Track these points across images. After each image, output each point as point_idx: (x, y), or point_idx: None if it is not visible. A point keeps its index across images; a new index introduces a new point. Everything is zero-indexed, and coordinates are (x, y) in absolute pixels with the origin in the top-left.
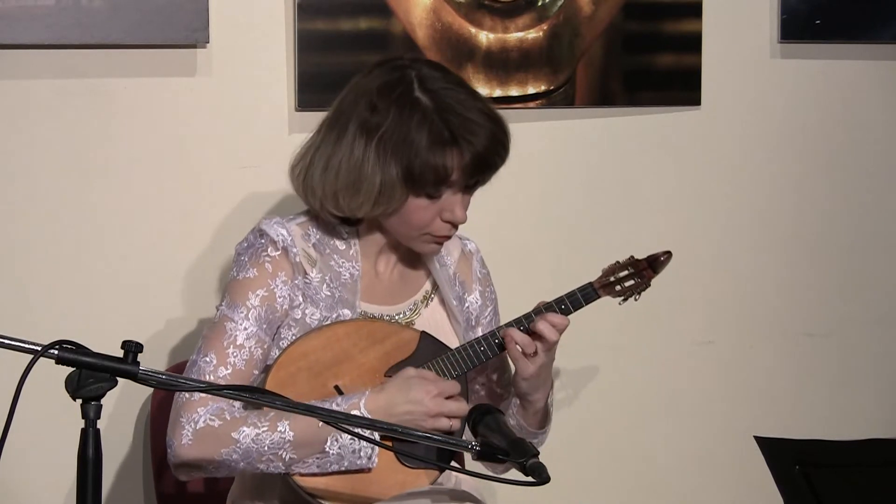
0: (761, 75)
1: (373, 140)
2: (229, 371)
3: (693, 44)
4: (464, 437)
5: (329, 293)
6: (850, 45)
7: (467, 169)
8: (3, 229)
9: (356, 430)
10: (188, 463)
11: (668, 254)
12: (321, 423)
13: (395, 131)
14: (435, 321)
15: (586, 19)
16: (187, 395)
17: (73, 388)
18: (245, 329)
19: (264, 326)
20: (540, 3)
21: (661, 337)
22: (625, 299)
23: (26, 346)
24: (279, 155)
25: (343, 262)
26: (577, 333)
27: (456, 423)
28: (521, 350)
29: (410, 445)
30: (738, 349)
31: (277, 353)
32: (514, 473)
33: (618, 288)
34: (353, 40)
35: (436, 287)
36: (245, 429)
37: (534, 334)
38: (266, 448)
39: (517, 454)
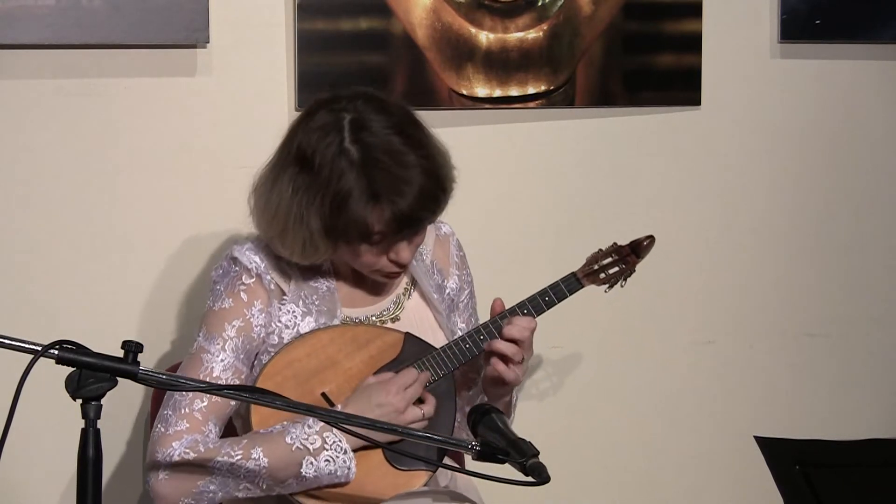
0: (761, 75)
1: (297, 193)
2: (205, 403)
3: (693, 44)
4: (464, 437)
5: (307, 310)
6: (850, 45)
7: (391, 225)
8: (2, 229)
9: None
10: (165, 496)
11: (651, 238)
12: (294, 447)
13: (319, 186)
14: (419, 313)
15: (586, 19)
16: (161, 428)
17: (73, 388)
18: (222, 361)
19: (241, 356)
20: (540, 3)
21: (662, 337)
22: (610, 287)
23: (26, 346)
24: None
25: (318, 278)
26: (578, 333)
27: (428, 409)
28: (510, 359)
29: (401, 446)
30: (738, 349)
31: (264, 362)
32: (514, 473)
33: (602, 276)
34: (353, 40)
35: (415, 280)
36: (220, 458)
37: (510, 341)
38: (242, 476)
39: (517, 454)
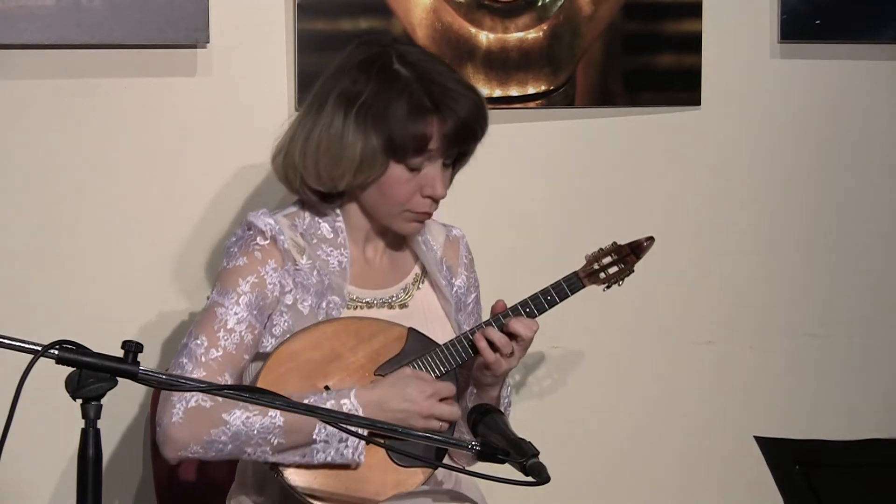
0: (761, 75)
1: (352, 109)
2: (220, 353)
3: (693, 44)
4: (463, 437)
5: (318, 280)
6: (850, 45)
7: (448, 137)
8: (2, 229)
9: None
10: (176, 440)
11: (651, 239)
12: None
13: (375, 100)
14: (427, 303)
15: (586, 19)
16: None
17: (74, 388)
18: (236, 314)
19: (255, 312)
20: (540, 3)
21: (661, 337)
22: (608, 286)
23: (26, 346)
24: None
25: (331, 251)
26: (578, 333)
27: (446, 426)
28: (498, 349)
29: (403, 443)
30: (738, 349)
31: (268, 347)
32: (514, 473)
33: (602, 275)
34: (353, 40)
35: (425, 270)
36: (236, 411)
37: (510, 334)
38: (255, 432)
39: (517, 454)
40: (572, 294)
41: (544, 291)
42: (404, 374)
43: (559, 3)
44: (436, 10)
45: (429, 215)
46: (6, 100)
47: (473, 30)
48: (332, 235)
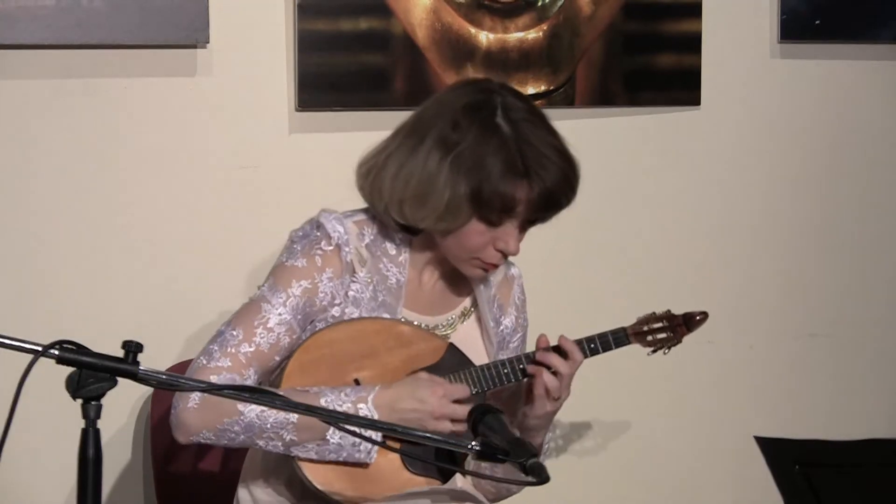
0: (761, 75)
1: (449, 156)
2: (252, 349)
3: (693, 44)
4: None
5: (372, 295)
6: (850, 45)
7: (533, 203)
8: (3, 229)
9: (357, 430)
10: (189, 425)
11: (705, 314)
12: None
13: (472, 151)
14: (470, 338)
15: (586, 19)
16: (204, 360)
17: (74, 388)
18: (279, 314)
19: (299, 317)
20: (540, 3)
21: None
22: (654, 351)
23: (26, 346)
24: (279, 155)
25: (391, 267)
26: (577, 333)
27: (460, 427)
28: (547, 391)
29: (418, 451)
30: (738, 349)
31: (306, 337)
32: (514, 473)
33: (649, 339)
34: (353, 40)
35: (475, 304)
36: (252, 403)
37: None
38: (269, 425)
39: (517, 454)
40: (616, 348)
41: (589, 339)
42: (419, 377)
43: (559, 3)
44: (436, 10)
45: (496, 267)
46: (6, 100)
47: (473, 30)
48: (394, 252)
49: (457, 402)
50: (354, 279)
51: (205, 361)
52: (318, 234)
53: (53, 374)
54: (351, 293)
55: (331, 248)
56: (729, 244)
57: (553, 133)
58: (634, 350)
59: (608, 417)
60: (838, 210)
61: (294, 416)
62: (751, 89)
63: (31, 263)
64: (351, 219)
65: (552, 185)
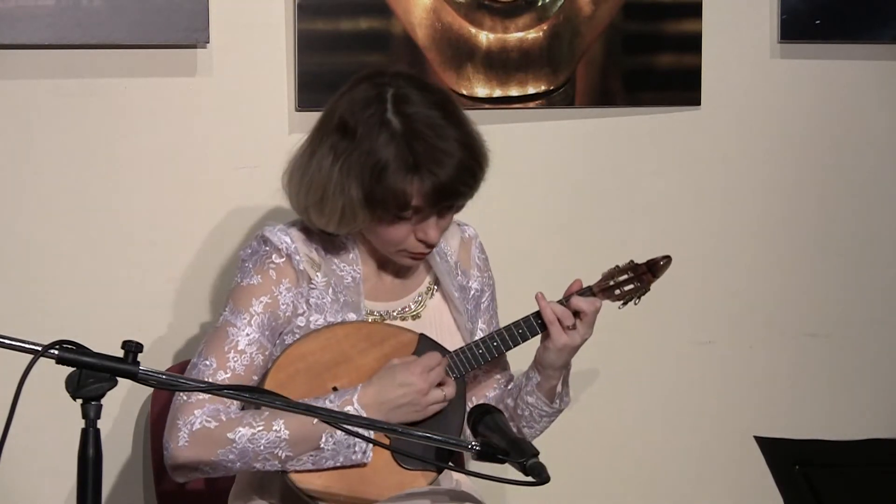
0: (761, 75)
1: (338, 162)
2: (228, 375)
3: (693, 44)
4: (463, 437)
5: (334, 297)
6: (850, 45)
7: (429, 197)
8: (3, 229)
9: (356, 429)
10: (184, 465)
11: (668, 258)
12: (315, 421)
13: (360, 154)
14: (439, 314)
15: (586, 19)
16: (184, 397)
17: (74, 388)
18: (247, 335)
19: (266, 333)
20: (540, 3)
21: (661, 337)
22: (624, 303)
23: (26, 346)
24: (279, 155)
25: (344, 266)
26: None
27: (450, 391)
28: (557, 319)
29: (408, 445)
30: (737, 349)
31: (277, 354)
32: (514, 473)
33: (617, 292)
34: (353, 40)
35: (437, 280)
36: (241, 429)
37: (574, 312)
38: (262, 447)
39: (517, 454)
40: None
41: (559, 303)
42: (392, 365)
43: (559, 3)
44: (436, 10)
45: (424, 255)
46: (6, 100)
47: (473, 30)
48: (344, 251)
49: (433, 369)
50: (312, 286)
51: (185, 398)
52: (267, 248)
53: (53, 374)
54: (312, 300)
55: (282, 259)
56: (728, 244)
57: (455, 122)
58: (634, 350)
59: (608, 417)
60: (838, 210)
61: (285, 433)
62: (751, 89)
63: (30, 263)
64: (295, 227)
65: (446, 179)
